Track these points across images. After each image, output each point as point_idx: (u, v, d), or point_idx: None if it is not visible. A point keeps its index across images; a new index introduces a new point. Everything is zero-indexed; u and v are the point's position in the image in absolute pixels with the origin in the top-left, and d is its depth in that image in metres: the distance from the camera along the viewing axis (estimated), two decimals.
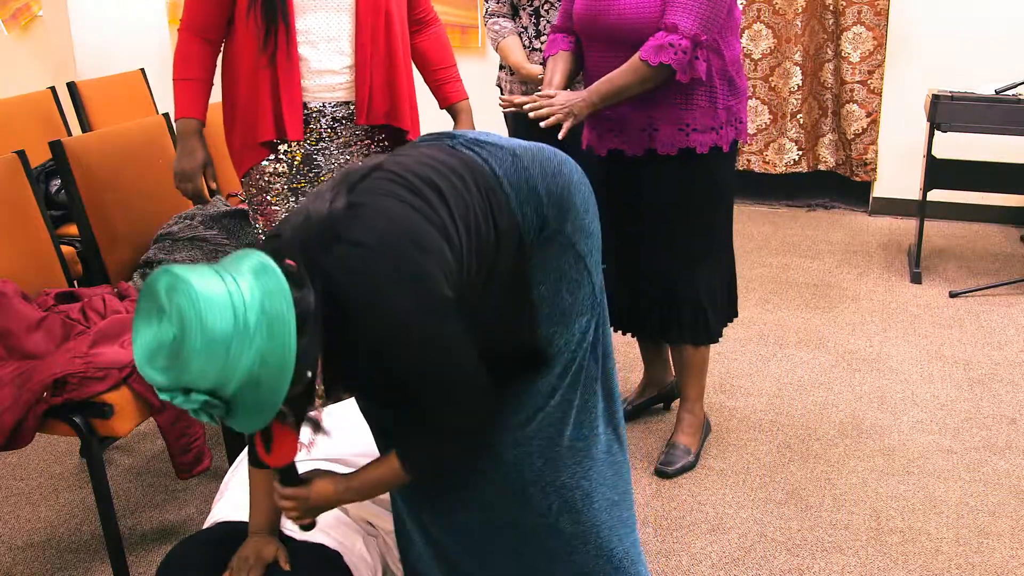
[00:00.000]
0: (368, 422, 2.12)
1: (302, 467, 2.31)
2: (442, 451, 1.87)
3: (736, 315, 3.21)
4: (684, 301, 3.01)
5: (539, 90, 3.44)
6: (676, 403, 3.37)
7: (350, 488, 1.91)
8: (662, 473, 3.07)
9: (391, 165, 1.81)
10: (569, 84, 3.01)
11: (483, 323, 1.80)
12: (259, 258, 1.62)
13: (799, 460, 3.15)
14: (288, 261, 1.64)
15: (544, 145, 1.99)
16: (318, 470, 1.98)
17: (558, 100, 2.78)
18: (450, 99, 3.09)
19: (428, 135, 2.02)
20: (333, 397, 1.93)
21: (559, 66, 3.01)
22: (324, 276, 1.64)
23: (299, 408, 1.80)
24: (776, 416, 3.44)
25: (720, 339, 3.14)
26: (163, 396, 1.57)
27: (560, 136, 2.72)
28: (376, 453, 2.43)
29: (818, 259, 5.14)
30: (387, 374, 1.74)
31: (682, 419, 3.20)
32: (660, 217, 2.96)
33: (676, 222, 2.96)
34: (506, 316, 1.87)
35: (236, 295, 1.55)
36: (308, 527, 2.02)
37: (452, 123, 3.09)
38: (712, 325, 3.08)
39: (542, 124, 2.75)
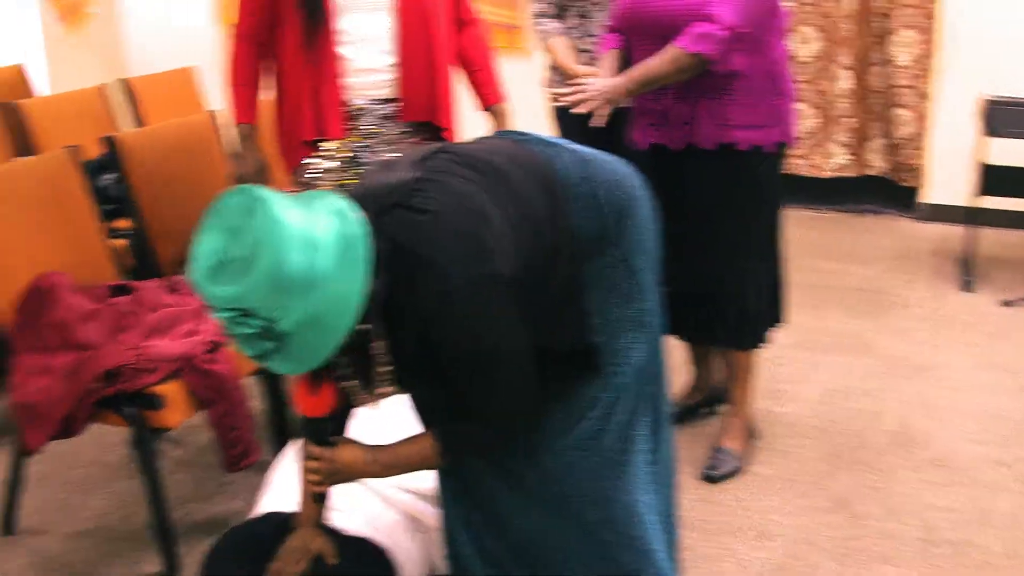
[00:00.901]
0: (412, 400, 2.10)
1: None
2: (480, 437, 1.85)
3: (782, 320, 3.18)
4: (726, 303, 3.00)
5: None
6: (722, 407, 3.35)
7: (377, 460, 1.89)
8: (708, 478, 3.05)
9: (457, 149, 1.82)
10: None
11: (532, 318, 1.79)
12: (339, 202, 1.61)
13: (847, 468, 3.12)
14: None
15: (614, 158, 1.99)
16: (347, 437, 1.95)
17: (594, 87, 2.80)
18: (488, 101, 3.11)
19: (499, 132, 2.04)
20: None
21: (607, 63, 3.02)
22: (383, 238, 1.63)
23: (351, 361, 1.78)
24: (824, 423, 3.41)
25: (765, 344, 3.12)
26: (219, 315, 1.55)
27: (595, 123, 2.73)
28: None
29: (866, 265, 5.09)
30: (433, 346, 1.73)
31: (729, 423, 3.18)
32: (702, 215, 2.94)
33: (718, 221, 2.94)
34: (554, 317, 1.86)
35: (314, 231, 1.53)
36: (320, 497, 1.98)
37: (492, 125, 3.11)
38: (756, 329, 3.06)
39: (573, 110, 2.77)
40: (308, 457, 1.90)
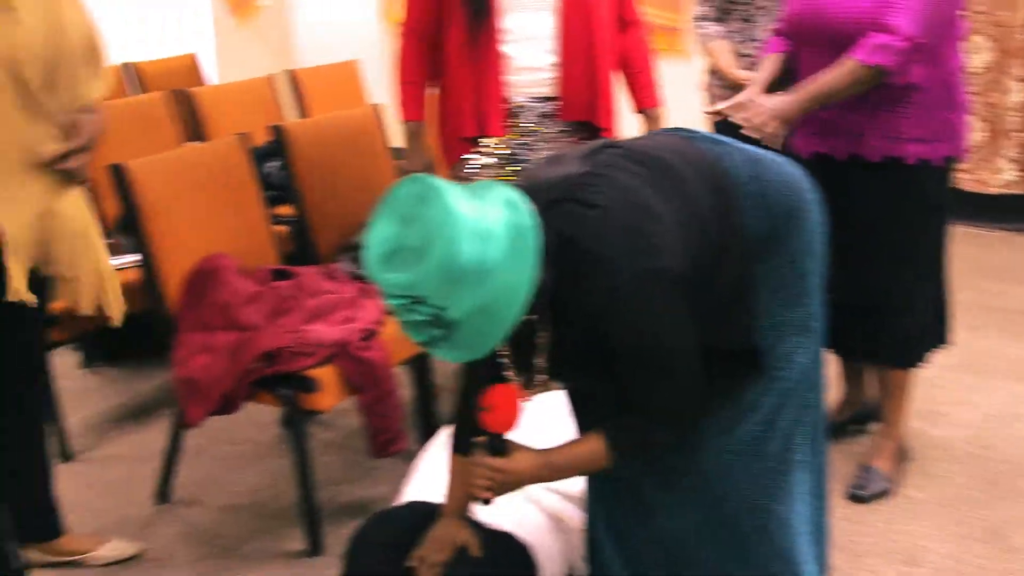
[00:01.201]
0: (571, 402, 2.08)
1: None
2: (647, 433, 1.82)
3: (944, 341, 3.07)
4: (890, 319, 2.90)
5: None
6: (873, 425, 3.25)
7: (549, 463, 1.85)
8: (855, 497, 2.97)
9: (625, 144, 1.82)
10: (776, 86, 2.95)
11: (700, 316, 1.77)
12: (510, 192, 1.63)
13: (1004, 497, 2.99)
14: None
15: (784, 159, 1.95)
16: (520, 444, 1.92)
17: (767, 105, 2.73)
18: (644, 103, 3.10)
19: (667, 129, 2.02)
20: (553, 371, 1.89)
21: (767, 67, 2.98)
22: (551, 231, 1.64)
23: (514, 352, 1.79)
24: (981, 449, 3.27)
25: (924, 363, 3.01)
26: (391, 301, 1.58)
27: (769, 145, 2.67)
28: None
29: None
30: (599, 340, 1.72)
31: (880, 443, 3.08)
32: (867, 227, 2.86)
33: (883, 234, 2.85)
34: (721, 315, 1.83)
35: (485, 221, 1.55)
36: (485, 502, 1.94)
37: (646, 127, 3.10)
38: (918, 348, 2.96)
39: (742, 131, 2.72)
40: (484, 468, 1.87)
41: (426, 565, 2.12)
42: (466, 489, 2.11)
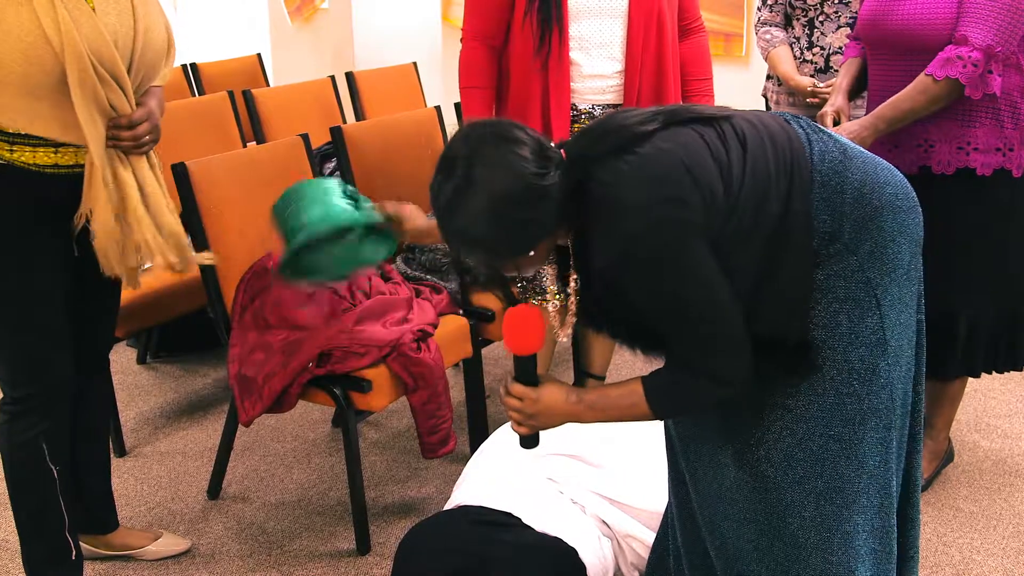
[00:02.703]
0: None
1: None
2: (688, 386, 1.77)
3: (1018, 367, 2.94)
4: (958, 336, 2.82)
5: (807, 102, 3.38)
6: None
7: (583, 401, 1.82)
8: None
9: (717, 111, 1.80)
10: (856, 91, 2.94)
11: (751, 298, 1.74)
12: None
13: None
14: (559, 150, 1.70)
15: (884, 162, 1.89)
16: (551, 375, 1.90)
17: (842, 131, 2.67)
18: None
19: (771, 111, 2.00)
20: (584, 316, 1.88)
21: (848, 71, 2.95)
22: (590, 175, 1.67)
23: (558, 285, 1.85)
24: None
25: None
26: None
27: None
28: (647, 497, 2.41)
29: None
30: (625, 291, 1.71)
31: (923, 444, 3.06)
32: (935, 241, 2.80)
33: (953, 247, 2.75)
34: (778, 303, 1.77)
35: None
36: (527, 442, 1.92)
37: None
38: (979, 361, 2.89)
39: None
40: (511, 396, 1.86)
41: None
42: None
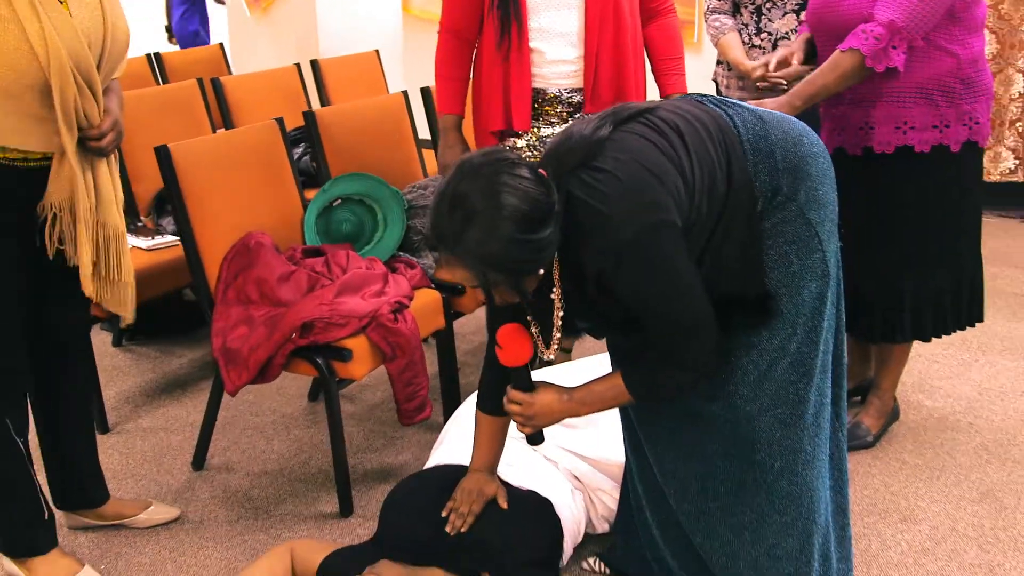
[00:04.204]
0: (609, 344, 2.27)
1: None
2: (666, 376, 1.97)
3: (966, 327, 3.14)
4: (905, 304, 3.02)
5: (757, 86, 3.54)
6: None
7: (573, 399, 2.05)
8: None
9: (642, 108, 1.97)
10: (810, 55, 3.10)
11: (711, 268, 1.94)
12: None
13: (997, 463, 3.15)
14: (540, 171, 1.84)
15: (789, 117, 2.09)
16: (545, 381, 2.13)
17: (764, 105, 2.83)
18: (668, 90, 3.22)
19: (680, 95, 2.18)
20: (568, 325, 2.07)
21: (796, 45, 3.12)
22: (566, 193, 1.83)
23: (535, 309, 2.02)
24: (975, 420, 3.44)
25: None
26: None
27: None
28: (617, 453, 2.58)
29: None
30: (612, 294, 1.89)
31: (870, 403, 3.27)
32: (880, 216, 2.96)
33: (898, 221, 2.95)
34: (734, 267, 1.97)
35: None
36: (534, 439, 2.15)
37: None
38: (928, 326, 3.08)
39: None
40: (511, 402, 2.09)
41: (458, 515, 2.29)
42: (496, 446, 2.29)
